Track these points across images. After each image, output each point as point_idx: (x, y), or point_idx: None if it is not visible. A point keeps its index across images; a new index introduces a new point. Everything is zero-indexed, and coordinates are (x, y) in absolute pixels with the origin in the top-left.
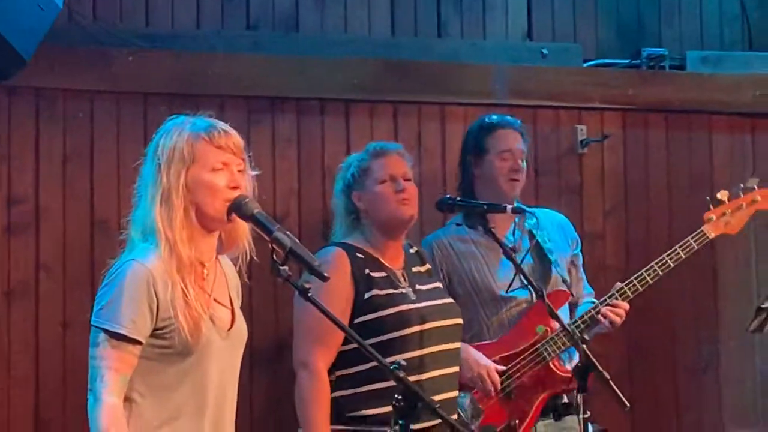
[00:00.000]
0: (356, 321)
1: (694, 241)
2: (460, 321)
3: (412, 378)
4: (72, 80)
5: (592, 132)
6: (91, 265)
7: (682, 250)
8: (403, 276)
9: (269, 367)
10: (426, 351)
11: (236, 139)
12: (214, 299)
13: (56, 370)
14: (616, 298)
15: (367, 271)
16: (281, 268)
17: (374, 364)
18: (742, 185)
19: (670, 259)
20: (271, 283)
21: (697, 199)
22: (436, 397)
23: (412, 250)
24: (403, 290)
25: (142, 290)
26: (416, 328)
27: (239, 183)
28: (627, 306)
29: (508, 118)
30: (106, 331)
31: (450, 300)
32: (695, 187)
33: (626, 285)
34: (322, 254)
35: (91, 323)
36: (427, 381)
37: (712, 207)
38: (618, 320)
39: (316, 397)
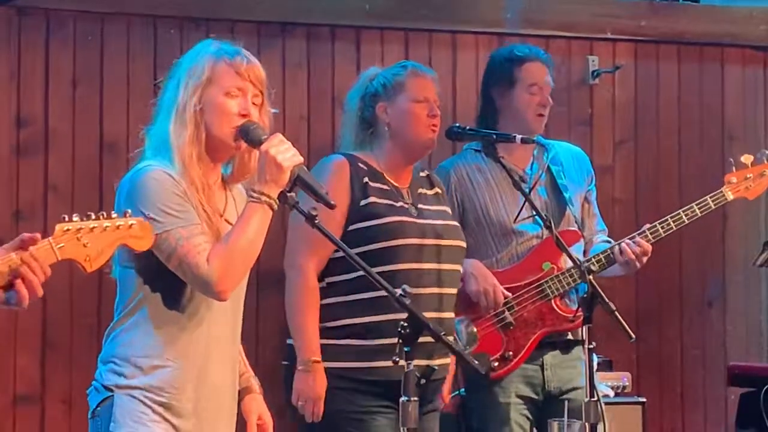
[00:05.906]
0: (350, 228)
1: (712, 201)
2: (462, 244)
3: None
4: (82, 2)
5: (604, 63)
6: (100, 187)
7: (698, 208)
8: (407, 193)
9: (276, 289)
10: (425, 266)
11: (258, 70)
12: (225, 219)
13: (63, 291)
14: (646, 237)
15: (366, 179)
16: (288, 194)
17: (361, 273)
18: (766, 151)
19: (686, 215)
20: (279, 208)
21: (708, 131)
22: (430, 315)
23: (422, 174)
24: (404, 205)
25: (178, 190)
26: (414, 241)
27: (250, 111)
28: (649, 246)
29: (537, 49)
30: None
31: (454, 223)
32: (706, 119)
33: (649, 229)
34: (324, 162)
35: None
36: (425, 297)
37: (734, 169)
38: (633, 258)
39: (304, 298)
